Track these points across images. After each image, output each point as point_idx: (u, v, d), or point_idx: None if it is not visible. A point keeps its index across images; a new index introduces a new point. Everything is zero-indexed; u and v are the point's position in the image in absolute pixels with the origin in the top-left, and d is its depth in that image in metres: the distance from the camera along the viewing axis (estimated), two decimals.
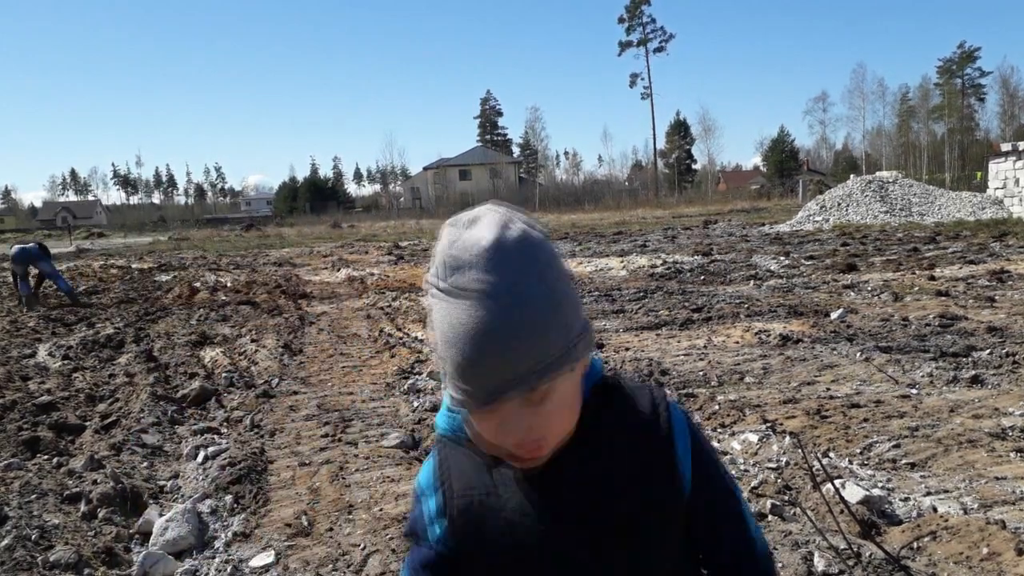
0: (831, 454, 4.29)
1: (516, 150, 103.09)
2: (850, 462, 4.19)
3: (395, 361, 7.18)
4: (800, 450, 4.10)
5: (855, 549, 3.10)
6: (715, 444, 4.46)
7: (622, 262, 16.24)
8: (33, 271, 13.07)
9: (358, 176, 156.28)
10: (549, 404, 0.90)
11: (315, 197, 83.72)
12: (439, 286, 0.88)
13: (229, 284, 15.02)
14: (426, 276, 0.92)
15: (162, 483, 4.35)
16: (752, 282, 11.93)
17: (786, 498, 3.74)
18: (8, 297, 14.09)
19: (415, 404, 5.62)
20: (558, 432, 0.94)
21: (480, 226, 0.89)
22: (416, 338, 8.34)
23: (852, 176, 31.79)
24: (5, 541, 3.32)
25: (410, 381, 6.28)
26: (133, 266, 21.52)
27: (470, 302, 0.85)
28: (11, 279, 13.75)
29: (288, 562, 3.31)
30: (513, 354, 0.85)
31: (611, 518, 0.99)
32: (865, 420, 4.77)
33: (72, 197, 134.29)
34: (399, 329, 8.99)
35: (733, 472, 4.04)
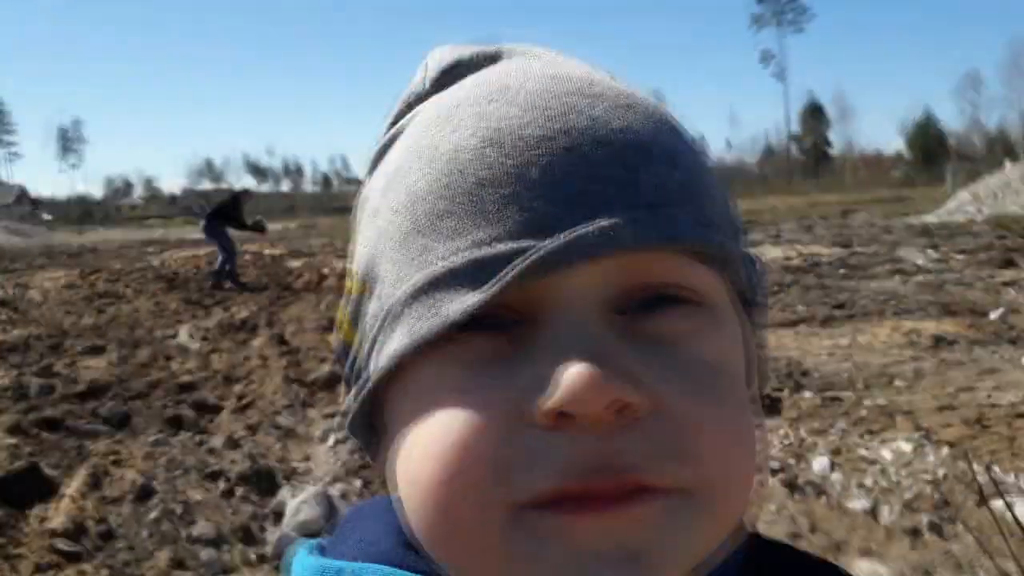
0: (994, 467, 3.94)
1: None
2: (1017, 477, 3.84)
3: None
4: (962, 462, 3.78)
5: None
6: (863, 452, 4.19)
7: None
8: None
9: None
10: (678, 359, 0.36)
11: None
12: (418, 92, 0.46)
13: None
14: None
15: (295, 464, 4.49)
16: (897, 277, 11.21)
17: (945, 514, 3.47)
18: (153, 280, 14.83)
19: None
20: (716, 473, 0.36)
21: None
22: None
23: (1008, 162, 29.34)
24: (153, 514, 3.50)
25: None
26: (265, 252, 22.59)
27: (503, 65, 0.44)
28: None
29: None
30: (603, 146, 0.38)
31: None
32: None
33: (207, 185, 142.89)
34: None
35: (884, 484, 3.78)
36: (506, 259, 0.35)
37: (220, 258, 12.72)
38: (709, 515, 0.35)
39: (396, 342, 0.38)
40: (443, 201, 0.37)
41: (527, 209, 0.35)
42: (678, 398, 0.35)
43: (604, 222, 0.35)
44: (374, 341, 0.40)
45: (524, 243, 0.35)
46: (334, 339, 0.46)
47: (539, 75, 0.40)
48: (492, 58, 0.44)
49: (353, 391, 0.43)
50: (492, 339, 0.36)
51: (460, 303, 0.35)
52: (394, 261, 0.39)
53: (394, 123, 0.46)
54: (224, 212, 12.98)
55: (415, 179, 0.39)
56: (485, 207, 0.36)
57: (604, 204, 0.36)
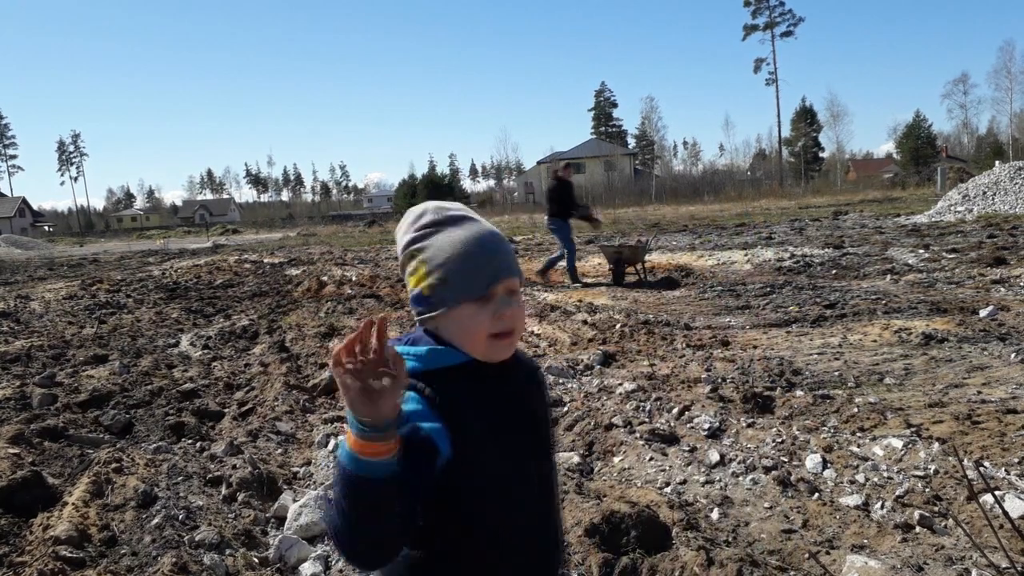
0: (985, 463, 3.97)
1: (632, 141, 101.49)
2: (1007, 472, 3.86)
3: None
4: (952, 457, 3.82)
5: (1020, 569, 2.85)
6: (855, 449, 4.22)
7: (746, 255, 15.67)
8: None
9: (473, 172, 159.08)
10: (519, 300, 1.35)
11: (433, 194, 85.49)
12: (434, 220, 1.35)
13: (354, 278, 15.48)
14: (404, 236, 1.38)
15: (295, 469, 4.52)
16: (889, 276, 11.26)
17: (936, 509, 3.50)
18: (154, 290, 14.96)
19: None
20: (521, 330, 1.37)
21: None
22: (531, 332, 8.34)
23: (998, 163, 29.46)
24: (155, 520, 3.53)
25: None
26: (265, 260, 22.54)
27: (472, 221, 1.36)
28: None
29: None
30: (508, 249, 1.36)
31: (541, 420, 1.49)
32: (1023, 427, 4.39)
33: (208, 195, 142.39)
34: None
35: (875, 480, 3.82)
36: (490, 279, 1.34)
37: (560, 252, 12.15)
38: (516, 339, 1.37)
39: (452, 295, 1.30)
40: (466, 256, 1.31)
41: (489, 264, 1.33)
42: (518, 314, 1.34)
43: (510, 270, 1.35)
44: (440, 296, 1.31)
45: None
46: (412, 291, 1.38)
47: (478, 227, 1.36)
48: (464, 218, 1.37)
49: (425, 311, 1.36)
50: (482, 299, 1.30)
51: (476, 289, 1.31)
52: (455, 273, 1.30)
53: (428, 226, 1.37)
54: (564, 201, 11.91)
55: (456, 249, 1.31)
56: (476, 263, 1.31)
57: (505, 263, 1.34)
